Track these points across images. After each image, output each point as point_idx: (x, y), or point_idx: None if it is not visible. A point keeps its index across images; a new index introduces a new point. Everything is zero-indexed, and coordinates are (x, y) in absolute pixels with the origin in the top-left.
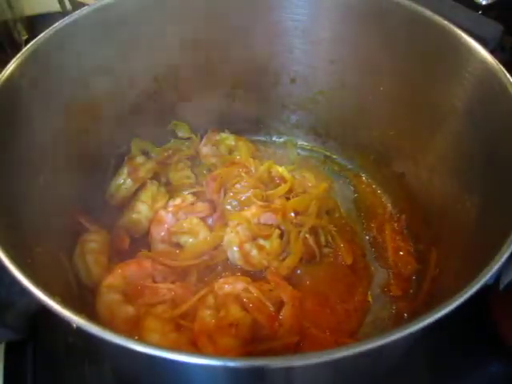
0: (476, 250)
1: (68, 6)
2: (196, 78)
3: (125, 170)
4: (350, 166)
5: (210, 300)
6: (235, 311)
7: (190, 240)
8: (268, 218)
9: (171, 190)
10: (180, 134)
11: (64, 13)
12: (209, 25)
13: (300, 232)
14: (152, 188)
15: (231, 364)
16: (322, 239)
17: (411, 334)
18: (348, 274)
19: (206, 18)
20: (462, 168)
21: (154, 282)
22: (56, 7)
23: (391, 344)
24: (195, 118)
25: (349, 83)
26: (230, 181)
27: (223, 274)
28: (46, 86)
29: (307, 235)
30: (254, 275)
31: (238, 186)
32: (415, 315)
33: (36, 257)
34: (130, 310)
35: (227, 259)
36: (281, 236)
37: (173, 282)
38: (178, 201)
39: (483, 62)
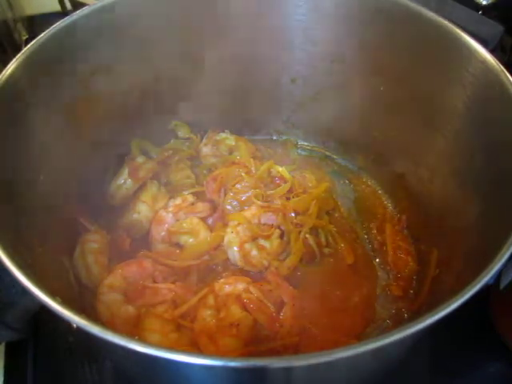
0: (476, 251)
1: (68, 6)
2: (196, 78)
3: (125, 170)
4: (350, 166)
5: (211, 300)
6: (236, 311)
7: (191, 240)
8: (268, 218)
9: (171, 190)
10: (180, 134)
11: (64, 13)
12: (209, 25)
13: (300, 232)
14: (152, 188)
15: (232, 364)
16: (323, 239)
17: (411, 335)
18: (349, 274)
19: (206, 17)
20: (462, 168)
21: (155, 282)
22: (56, 7)
23: (391, 344)
24: (195, 118)
25: (349, 83)
26: (230, 181)
27: (223, 274)
28: (45, 86)
29: (307, 235)
30: (255, 275)
31: (238, 186)
32: (416, 315)
33: (36, 257)
34: (130, 310)
35: (227, 259)
36: (281, 236)
37: (173, 282)
38: (178, 201)
39: (483, 61)
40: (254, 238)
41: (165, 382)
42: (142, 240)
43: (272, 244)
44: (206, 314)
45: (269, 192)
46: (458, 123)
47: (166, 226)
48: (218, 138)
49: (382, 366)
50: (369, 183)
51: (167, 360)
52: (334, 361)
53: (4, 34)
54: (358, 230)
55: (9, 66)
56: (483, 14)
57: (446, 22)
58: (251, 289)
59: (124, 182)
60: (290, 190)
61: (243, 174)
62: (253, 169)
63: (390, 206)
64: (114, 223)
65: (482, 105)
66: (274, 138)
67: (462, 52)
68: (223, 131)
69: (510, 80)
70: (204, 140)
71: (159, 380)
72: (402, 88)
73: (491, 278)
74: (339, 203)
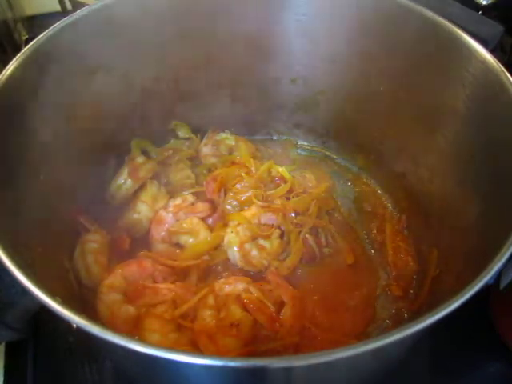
0: (476, 251)
1: (68, 6)
2: (196, 78)
3: (125, 170)
4: (350, 166)
5: (211, 300)
6: (236, 311)
7: (191, 240)
8: (268, 218)
9: (171, 190)
10: (180, 134)
11: (64, 13)
12: (209, 25)
13: (300, 232)
14: (152, 188)
15: (232, 364)
16: (323, 239)
17: (411, 335)
18: (349, 274)
19: (207, 17)
20: (462, 168)
21: (155, 282)
22: (56, 7)
23: (391, 344)
24: (195, 118)
25: (349, 83)
26: (230, 181)
27: (223, 274)
28: (46, 86)
29: (307, 235)
30: (255, 275)
31: (238, 186)
32: (416, 315)
33: (36, 257)
34: (130, 310)
35: (227, 259)
36: (281, 236)
37: (173, 282)
38: (178, 201)
39: (483, 61)
40: (253, 238)
41: (165, 382)
42: (142, 240)
43: (272, 244)
44: (206, 314)
45: (269, 192)
46: (458, 123)
47: (166, 226)
48: (218, 138)
49: (382, 366)
50: (369, 183)
51: (167, 360)
52: (333, 361)
53: (4, 34)
54: (358, 230)
55: (9, 66)
56: (483, 14)
57: (445, 22)
58: (251, 289)
59: (124, 182)
60: (289, 190)
61: (243, 174)
62: (253, 169)
63: (389, 206)
64: (114, 223)
65: (481, 105)
66: (274, 138)
67: (462, 52)
68: (223, 131)
69: (509, 80)
70: (204, 140)
71: (159, 380)
72: (401, 88)
73: (491, 278)
74: (339, 203)
